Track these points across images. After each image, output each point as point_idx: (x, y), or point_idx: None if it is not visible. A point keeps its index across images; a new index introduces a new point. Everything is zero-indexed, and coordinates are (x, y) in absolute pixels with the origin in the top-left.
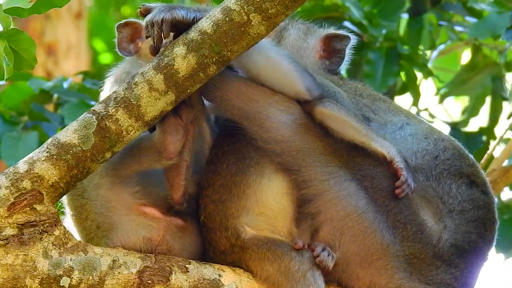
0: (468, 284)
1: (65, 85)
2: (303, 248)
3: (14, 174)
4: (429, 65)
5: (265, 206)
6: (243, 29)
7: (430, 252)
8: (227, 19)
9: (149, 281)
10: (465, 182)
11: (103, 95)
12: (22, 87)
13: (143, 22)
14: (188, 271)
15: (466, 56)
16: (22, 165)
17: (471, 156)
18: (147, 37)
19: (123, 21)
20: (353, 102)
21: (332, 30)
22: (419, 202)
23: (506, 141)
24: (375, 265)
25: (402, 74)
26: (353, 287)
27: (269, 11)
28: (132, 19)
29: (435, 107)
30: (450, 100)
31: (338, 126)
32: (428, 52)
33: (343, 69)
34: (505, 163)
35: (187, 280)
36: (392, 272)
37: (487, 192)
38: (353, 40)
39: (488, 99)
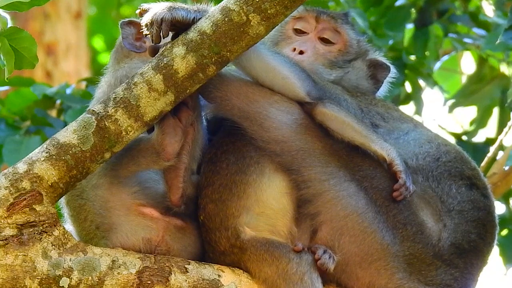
0: (468, 286)
1: (68, 91)
2: (303, 250)
3: (14, 175)
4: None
5: (266, 205)
6: (242, 29)
7: (430, 252)
8: (226, 19)
9: (149, 282)
10: (466, 183)
11: (99, 93)
12: (25, 92)
13: None
14: (188, 272)
15: (466, 58)
16: (21, 166)
17: (473, 162)
18: (145, 36)
19: (127, 19)
20: (364, 110)
21: (376, 56)
22: (418, 203)
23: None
24: (375, 266)
25: (406, 84)
26: (352, 287)
27: (268, 11)
28: (135, 19)
29: (443, 117)
30: (457, 109)
31: (338, 127)
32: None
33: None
34: (506, 166)
35: (186, 281)
36: (391, 273)
37: (487, 195)
38: (393, 72)
39: (496, 111)
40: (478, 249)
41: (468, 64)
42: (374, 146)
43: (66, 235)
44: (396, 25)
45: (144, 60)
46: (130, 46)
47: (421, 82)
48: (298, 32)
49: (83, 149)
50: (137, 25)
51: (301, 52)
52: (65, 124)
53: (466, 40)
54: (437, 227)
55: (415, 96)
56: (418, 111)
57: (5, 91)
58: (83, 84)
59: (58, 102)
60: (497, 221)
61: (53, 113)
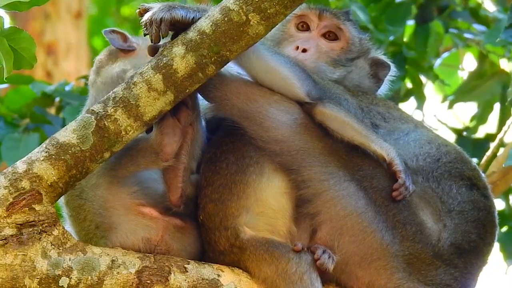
0: (468, 285)
1: (67, 88)
2: (302, 250)
3: (13, 174)
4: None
5: (265, 205)
6: (242, 29)
7: (430, 252)
8: (226, 19)
9: (148, 281)
10: (466, 184)
11: (91, 98)
12: (24, 90)
13: (128, 34)
14: (187, 271)
15: (468, 55)
16: (21, 165)
17: (474, 162)
18: (145, 35)
19: (109, 28)
20: (365, 110)
21: (378, 55)
22: (418, 203)
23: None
24: (374, 265)
25: (406, 80)
26: (352, 287)
27: (268, 11)
28: (117, 29)
29: (443, 112)
30: (458, 104)
31: (338, 127)
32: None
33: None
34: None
35: (186, 280)
36: (391, 272)
37: (488, 195)
38: (393, 70)
39: (496, 107)
40: (478, 249)
41: (468, 60)
42: (373, 145)
43: (65, 235)
44: (396, 22)
45: (135, 61)
46: (121, 45)
47: (422, 78)
48: (301, 29)
49: (83, 148)
50: (119, 34)
51: (304, 50)
52: (64, 121)
53: (467, 35)
54: (437, 227)
55: (417, 91)
56: (419, 107)
57: (4, 89)
58: (82, 82)
59: (57, 99)
60: (497, 221)
61: (52, 110)
